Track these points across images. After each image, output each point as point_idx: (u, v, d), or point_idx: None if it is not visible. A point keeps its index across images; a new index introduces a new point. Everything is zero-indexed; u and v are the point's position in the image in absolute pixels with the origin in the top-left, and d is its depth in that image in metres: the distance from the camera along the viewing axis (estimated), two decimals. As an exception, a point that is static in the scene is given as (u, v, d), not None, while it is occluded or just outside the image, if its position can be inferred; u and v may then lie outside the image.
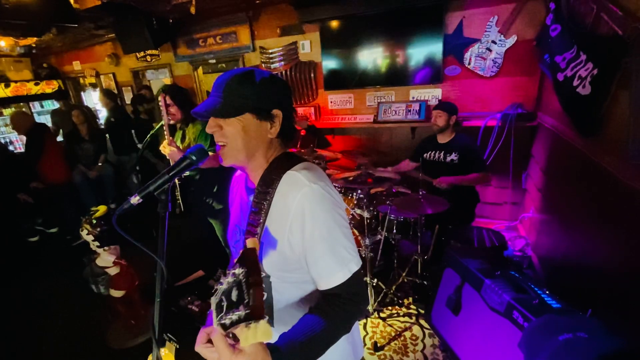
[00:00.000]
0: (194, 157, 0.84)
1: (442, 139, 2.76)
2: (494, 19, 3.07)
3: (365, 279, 2.54)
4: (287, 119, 0.89)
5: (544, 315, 1.27)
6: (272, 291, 0.91)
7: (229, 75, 0.84)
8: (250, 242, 0.68)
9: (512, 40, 3.07)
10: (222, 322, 0.61)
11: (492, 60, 3.19)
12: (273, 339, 0.73)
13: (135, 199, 0.78)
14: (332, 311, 0.79)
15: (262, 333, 0.57)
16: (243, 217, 0.94)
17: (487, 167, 2.62)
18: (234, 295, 0.62)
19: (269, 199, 0.85)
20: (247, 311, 0.58)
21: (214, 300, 0.65)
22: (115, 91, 5.79)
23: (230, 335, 0.62)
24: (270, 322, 0.93)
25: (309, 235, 0.80)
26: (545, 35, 2.56)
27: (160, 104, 2.04)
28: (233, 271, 0.65)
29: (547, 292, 1.47)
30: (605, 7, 1.77)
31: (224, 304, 0.62)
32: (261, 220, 0.86)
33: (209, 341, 0.69)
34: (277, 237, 0.84)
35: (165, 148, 2.05)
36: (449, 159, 2.68)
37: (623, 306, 1.46)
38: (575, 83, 2.00)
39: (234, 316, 0.60)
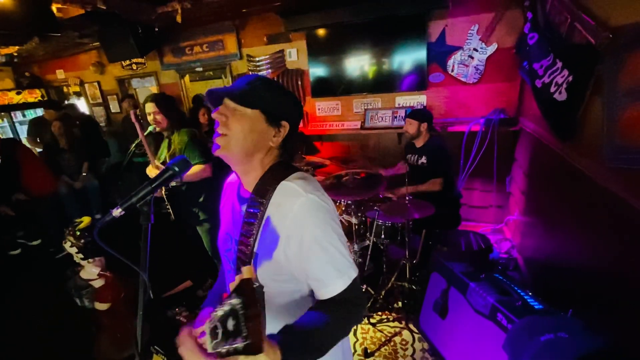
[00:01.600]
0: (176, 169, 0.84)
1: (418, 143, 2.86)
2: (475, 27, 3.16)
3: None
4: (291, 134, 0.91)
5: (527, 316, 1.30)
6: (265, 301, 0.90)
7: (255, 76, 0.89)
8: (247, 272, 0.67)
9: (493, 48, 3.16)
10: (218, 349, 0.60)
11: (475, 67, 3.27)
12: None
13: (117, 211, 0.78)
14: (335, 315, 0.80)
15: None
16: (235, 226, 0.94)
17: (442, 173, 2.71)
18: (231, 324, 0.61)
19: (263, 210, 0.85)
20: (245, 343, 0.58)
21: (208, 325, 0.63)
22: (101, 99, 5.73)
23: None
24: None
25: (307, 246, 0.81)
26: (524, 43, 2.64)
27: (132, 120, 1.96)
28: (229, 301, 0.63)
29: (530, 293, 1.50)
30: (578, 16, 1.85)
31: (219, 330, 0.61)
32: (254, 231, 0.86)
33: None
34: (272, 247, 0.84)
35: (152, 171, 2.03)
36: (420, 162, 2.80)
37: (601, 305, 1.51)
38: (553, 89, 2.07)
39: (231, 347, 0.59)
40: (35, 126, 4.96)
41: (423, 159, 2.78)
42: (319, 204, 0.82)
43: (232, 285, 0.66)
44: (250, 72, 4.26)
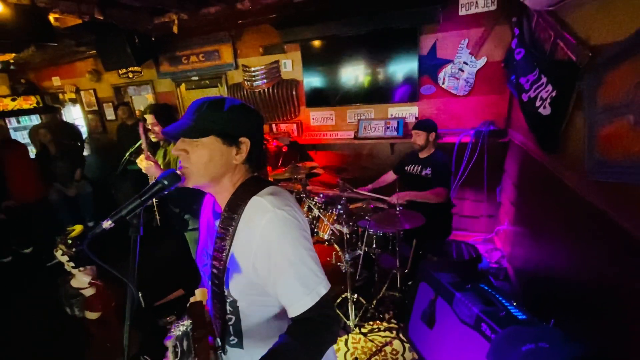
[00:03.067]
0: (165, 182, 0.86)
1: (423, 154, 2.87)
2: (465, 41, 3.24)
3: (345, 294, 2.56)
4: (255, 146, 0.91)
5: (510, 326, 1.33)
6: (240, 314, 0.91)
7: (202, 101, 0.88)
8: (199, 294, 0.72)
9: (482, 62, 3.24)
10: None
11: (465, 79, 3.35)
12: (245, 358, 0.76)
13: (107, 224, 0.80)
14: (302, 338, 0.78)
15: None
16: (210, 241, 0.95)
17: (447, 185, 2.72)
18: (185, 344, 0.68)
19: (234, 225, 0.87)
20: None
21: (170, 343, 0.68)
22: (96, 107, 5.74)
23: None
24: (240, 344, 0.95)
25: (274, 261, 0.81)
26: (511, 57, 2.72)
27: (140, 131, 2.05)
28: (182, 322, 0.69)
29: (514, 304, 1.53)
30: (561, 35, 1.92)
31: (178, 350, 0.67)
32: (226, 246, 0.87)
33: None
34: (242, 263, 0.86)
35: (142, 162, 2.06)
36: (424, 172, 2.79)
37: (583, 314, 1.54)
38: (538, 104, 2.13)
39: None
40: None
41: (427, 171, 2.77)
42: (287, 218, 0.83)
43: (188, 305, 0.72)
44: (245, 82, 4.31)
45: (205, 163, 0.86)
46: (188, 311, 0.70)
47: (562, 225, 1.91)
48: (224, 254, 0.87)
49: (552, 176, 2.02)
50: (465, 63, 3.30)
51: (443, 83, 3.44)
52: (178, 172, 0.87)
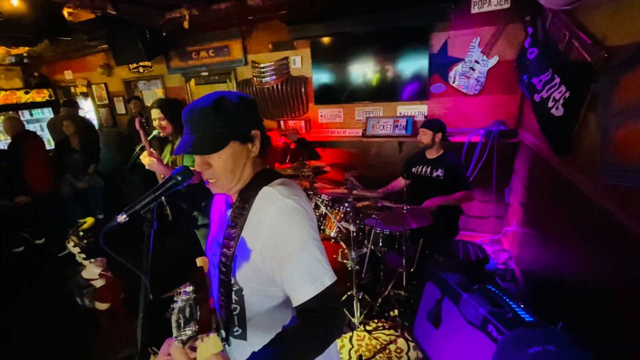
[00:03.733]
0: (179, 178, 0.87)
1: (430, 154, 2.83)
2: (477, 40, 3.21)
3: (351, 292, 2.57)
4: (263, 134, 0.94)
5: (517, 328, 1.32)
6: (245, 303, 0.93)
7: (199, 107, 0.85)
8: (200, 261, 0.75)
9: (494, 61, 3.20)
10: (180, 338, 0.68)
11: (476, 79, 3.31)
12: (247, 349, 0.78)
13: (122, 217, 0.81)
14: (305, 329, 0.77)
15: (212, 346, 0.64)
16: (221, 230, 0.98)
17: (471, 186, 2.69)
18: (187, 312, 0.70)
19: (245, 214, 0.89)
20: (197, 327, 0.67)
21: (173, 318, 0.71)
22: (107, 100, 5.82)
23: (189, 349, 0.69)
24: (243, 335, 0.96)
25: (281, 248, 0.82)
26: (524, 57, 2.68)
27: (137, 127, 2.03)
28: (184, 289, 0.71)
29: (521, 306, 1.53)
30: (576, 34, 1.89)
31: (181, 321, 0.69)
32: (236, 234, 0.89)
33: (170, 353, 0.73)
34: (250, 250, 0.87)
35: (145, 158, 2.08)
36: (435, 174, 2.75)
37: (591, 319, 1.53)
38: (550, 104, 2.10)
39: (188, 331, 0.68)
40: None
41: (439, 172, 2.72)
42: (295, 207, 0.84)
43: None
44: (254, 78, 4.32)
45: (232, 169, 0.89)
46: (191, 278, 0.73)
47: (571, 228, 1.89)
48: (233, 241, 0.89)
49: (562, 178, 2.00)
50: (476, 62, 3.27)
51: (453, 82, 3.41)
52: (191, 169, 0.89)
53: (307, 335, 0.76)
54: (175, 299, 0.72)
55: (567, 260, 1.92)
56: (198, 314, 0.67)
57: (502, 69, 3.19)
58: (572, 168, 1.92)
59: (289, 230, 0.83)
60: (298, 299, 0.81)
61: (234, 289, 0.92)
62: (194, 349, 0.68)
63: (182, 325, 0.68)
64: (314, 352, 0.77)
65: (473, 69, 3.30)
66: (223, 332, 0.94)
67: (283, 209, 0.84)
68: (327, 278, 0.82)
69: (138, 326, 0.83)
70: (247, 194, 0.91)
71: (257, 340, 0.91)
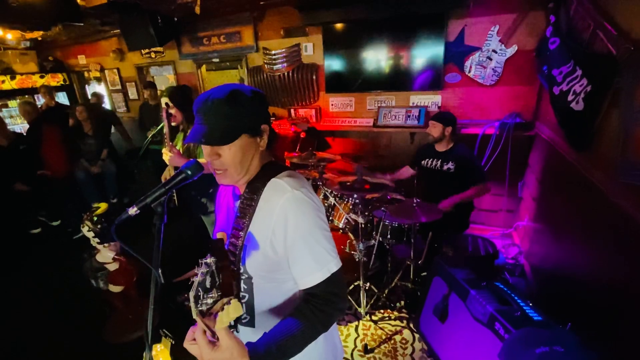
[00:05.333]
0: (189, 172, 0.88)
1: (440, 147, 2.78)
2: (496, 28, 3.09)
3: (358, 282, 2.59)
4: (271, 129, 0.96)
5: (524, 327, 1.31)
6: (254, 291, 0.96)
7: (213, 98, 0.85)
8: (219, 234, 0.76)
9: (512, 50, 3.09)
10: (200, 308, 0.68)
11: (492, 69, 3.21)
12: (255, 336, 0.80)
13: (132, 210, 0.83)
14: (310, 313, 0.84)
15: (233, 310, 0.63)
16: (229, 221, 1.00)
17: (486, 178, 2.63)
18: (208, 282, 0.70)
19: (254, 205, 0.91)
20: (219, 292, 0.66)
21: (191, 294, 0.71)
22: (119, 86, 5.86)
23: (209, 331, 0.69)
24: (252, 322, 0.99)
25: (291, 237, 0.86)
26: (545, 47, 2.58)
27: (163, 116, 2.07)
28: (205, 261, 0.72)
29: (530, 304, 1.51)
30: (601, 25, 1.80)
31: (200, 293, 0.69)
32: (245, 224, 0.92)
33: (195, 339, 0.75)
34: (259, 240, 0.90)
35: (166, 155, 2.10)
36: (445, 167, 2.70)
37: (600, 321, 1.51)
38: (570, 98, 2.03)
39: (208, 299, 0.67)
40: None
41: (450, 165, 2.68)
42: (304, 199, 0.87)
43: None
44: (265, 65, 4.28)
45: (240, 161, 0.90)
46: (212, 249, 0.74)
47: (586, 225, 1.85)
48: (242, 231, 0.91)
49: (579, 174, 1.94)
50: (494, 51, 3.16)
51: (469, 71, 3.31)
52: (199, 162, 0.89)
53: (311, 318, 0.84)
54: (196, 271, 0.73)
55: (579, 259, 1.89)
56: (219, 281, 0.67)
57: (520, 59, 3.08)
58: (589, 164, 1.86)
59: (298, 220, 0.86)
60: (305, 284, 0.88)
61: (243, 277, 0.95)
62: (215, 335, 0.68)
63: (201, 297, 0.69)
64: (316, 333, 0.85)
65: (490, 59, 3.19)
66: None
67: (293, 200, 0.87)
68: (334, 265, 0.88)
69: (148, 318, 0.85)
70: (255, 185, 0.93)
71: (265, 326, 0.95)
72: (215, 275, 0.69)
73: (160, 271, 0.87)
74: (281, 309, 0.97)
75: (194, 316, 0.69)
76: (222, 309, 0.64)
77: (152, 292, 0.86)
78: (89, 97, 5.42)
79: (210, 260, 0.72)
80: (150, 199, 0.84)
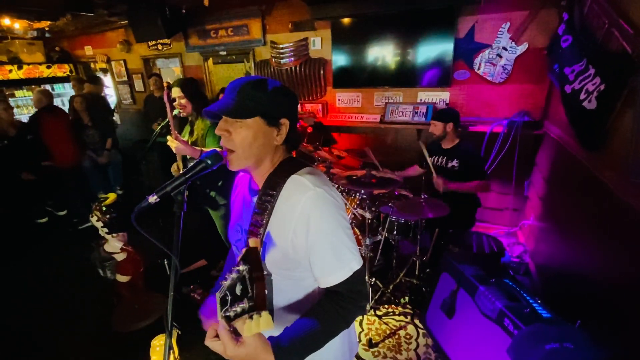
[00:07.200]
0: (209, 162, 0.88)
1: (446, 144, 2.77)
2: (506, 25, 3.07)
3: (363, 277, 2.60)
4: (293, 127, 0.93)
5: (534, 324, 1.32)
6: (273, 288, 0.96)
7: (243, 80, 0.88)
8: (253, 242, 0.75)
9: (523, 48, 3.07)
10: (227, 314, 0.67)
11: (502, 66, 3.19)
12: (274, 334, 0.80)
13: (153, 199, 0.83)
14: (332, 309, 0.85)
15: (264, 323, 0.63)
16: (246, 217, 0.98)
17: (488, 176, 2.63)
18: (238, 289, 0.68)
19: (273, 201, 0.90)
20: (250, 304, 0.64)
21: (218, 295, 0.71)
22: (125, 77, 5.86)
23: (232, 329, 0.69)
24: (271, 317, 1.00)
25: (313, 236, 0.85)
26: (556, 45, 2.56)
27: (164, 99, 2.07)
28: (237, 268, 0.71)
29: (539, 301, 1.52)
30: (616, 22, 1.78)
31: (229, 298, 0.69)
32: (264, 221, 0.90)
33: (217, 336, 0.75)
34: (280, 238, 0.89)
35: (172, 142, 2.09)
36: (450, 164, 2.70)
37: (611, 318, 1.51)
38: (582, 97, 2.01)
39: (238, 308, 0.66)
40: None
41: (454, 162, 2.68)
42: (326, 197, 0.86)
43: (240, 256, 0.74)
44: (273, 59, 4.26)
45: (250, 144, 0.88)
46: (245, 256, 0.72)
47: (594, 225, 1.85)
48: (261, 228, 0.90)
49: (589, 174, 1.93)
50: (504, 49, 3.14)
51: (479, 69, 3.29)
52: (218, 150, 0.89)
53: (333, 315, 0.84)
54: (225, 276, 0.73)
55: (586, 258, 1.89)
56: (252, 292, 0.65)
57: (531, 56, 3.06)
58: (601, 164, 1.85)
59: (320, 219, 0.85)
60: (327, 282, 0.88)
61: None
62: (238, 332, 0.68)
63: (229, 303, 0.68)
64: (338, 330, 0.86)
65: (500, 56, 3.17)
66: None
67: (315, 198, 0.85)
68: (356, 263, 0.88)
69: (168, 305, 0.86)
70: (274, 181, 0.91)
71: (283, 322, 0.94)
72: (248, 285, 0.67)
73: (165, 262, 0.87)
74: (300, 306, 0.96)
75: (219, 318, 0.69)
76: (251, 317, 0.63)
77: (171, 279, 0.86)
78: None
79: (242, 267, 0.70)
80: (171, 188, 0.84)
